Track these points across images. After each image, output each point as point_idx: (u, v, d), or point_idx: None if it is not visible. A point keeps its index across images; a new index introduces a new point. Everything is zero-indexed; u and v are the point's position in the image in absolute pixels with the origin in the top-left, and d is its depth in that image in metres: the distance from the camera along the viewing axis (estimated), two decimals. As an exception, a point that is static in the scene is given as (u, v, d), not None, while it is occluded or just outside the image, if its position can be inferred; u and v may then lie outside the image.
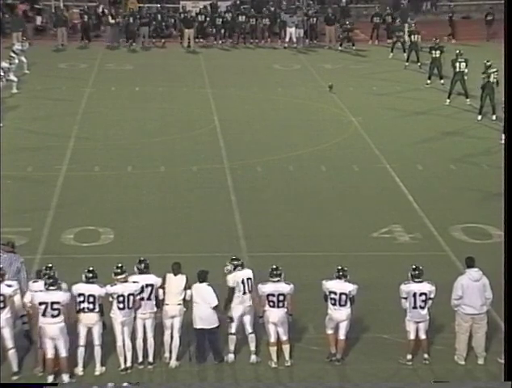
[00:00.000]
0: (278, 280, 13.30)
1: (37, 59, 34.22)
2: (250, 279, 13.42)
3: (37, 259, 16.26)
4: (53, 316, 12.67)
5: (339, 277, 13.35)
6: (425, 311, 13.37)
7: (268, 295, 13.24)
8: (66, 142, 23.73)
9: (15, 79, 28.65)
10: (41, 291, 12.80)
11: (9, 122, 25.52)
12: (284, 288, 13.32)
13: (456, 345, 13.46)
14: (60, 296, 12.75)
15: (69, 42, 37.87)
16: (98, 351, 13.08)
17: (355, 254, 16.93)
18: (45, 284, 12.79)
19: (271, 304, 13.26)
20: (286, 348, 13.41)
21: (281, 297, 13.25)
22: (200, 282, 13.25)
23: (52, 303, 12.65)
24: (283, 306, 13.28)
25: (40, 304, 12.67)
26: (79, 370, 13.04)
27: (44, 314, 12.67)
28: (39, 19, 40.32)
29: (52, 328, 12.70)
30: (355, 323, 13.86)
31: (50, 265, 13.30)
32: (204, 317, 13.23)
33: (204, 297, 13.21)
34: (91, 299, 12.87)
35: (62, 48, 37.41)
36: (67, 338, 12.83)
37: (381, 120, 26.70)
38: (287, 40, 38.03)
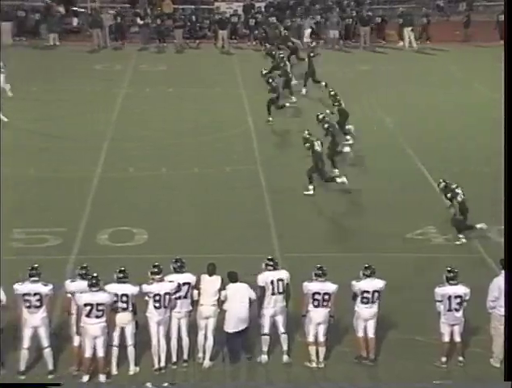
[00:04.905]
0: (324, 280, 13.33)
1: (73, 61, 34.52)
2: (282, 280, 13.42)
3: (72, 259, 16.39)
4: (97, 317, 12.77)
5: (369, 276, 13.37)
6: (460, 314, 13.30)
7: (314, 293, 13.25)
8: (101, 143, 23.88)
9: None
10: (82, 292, 12.87)
11: (43, 123, 25.74)
12: (330, 287, 13.34)
13: (493, 348, 13.39)
14: (105, 297, 12.85)
15: (104, 43, 38.11)
16: (131, 351, 13.15)
17: (389, 254, 16.88)
18: (89, 285, 12.88)
19: (316, 303, 13.27)
20: (322, 350, 13.41)
21: (326, 297, 13.27)
22: (233, 283, 13.30)
23: (98, 304, 12.75)
24: (326, 306, 13.31)
25: (86, 305, 12.76)
26: (113, 370, 13.13)
27: (88, 315, 12.77)
28: (75, 21, 40.61)
29: (94, 328, 12.80)
30: (388, 324, 13.83)
31: (85, 265, 13.42)
32: (240, 318, 13.24)
33: (243, 293, 13.22)
34: (124, 299, 12.95)
35: (97, 49, 37.66)
36: (106, 337, 12.94)
37: (417, 120, 26.54)
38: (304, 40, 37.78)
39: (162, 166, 22.07)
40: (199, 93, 29.49)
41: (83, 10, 41.28)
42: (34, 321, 12.94)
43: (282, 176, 21.41)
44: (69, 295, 13.14)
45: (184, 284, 13.30)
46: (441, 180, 18.40)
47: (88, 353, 12.86)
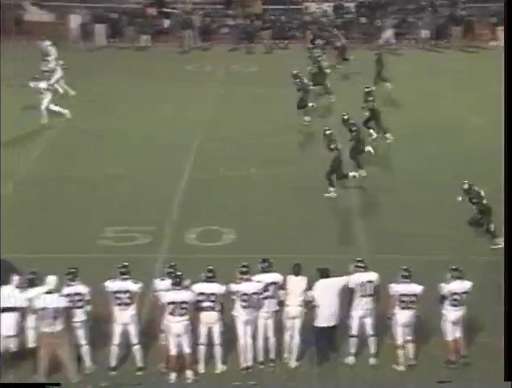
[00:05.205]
0: (410, 281, 13.22)
1: (164, 62, 34.96)
2: (372, 282, 13.35)
3: (161, 258, 16.58)
4: (181, 315, 12.90)
5: (458, 278, 13.21)
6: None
7: (401, 295, 13.15)
8: (191, 143, 24.10)
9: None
10: (168, 290, 13.03)
11: (133, 123, 26.03)
12: (417, 288, 13.23)
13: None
14: (188, 295, 12.96)
15: (194, 44, 38.50)
16: (218, 349, 13.24)
17: (475, 257, 16.62)
18: (172, 283, 13.04)
19: (403, 305, 13.17)
20: (411, 347, 13.32)
21: (413, 298, 13.17)
22: (324, 278, 13.28)
23: (181, 303, 12.89)
24: (412, 308, 13.20)
25: (169, 303, 12.91)
26: (201, 368, 13.24)
27: (172, 313, 12.91)
28: (166, 22, 41.12)
29: (177, 326, 12.93)
30: (472, 327, 13.63)
31: (173, 264, 13.56)
32: (331, 312, 13.22)
33: (334, 288, 13.19)
34: (212, 298, 13.05)
35: (188, 50, 38.05)
36: (190, 335, 13.05)
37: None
38: (381, 41, 37.39)
39: (252, 167, 22.12)
40: (289, 93, 29.42)
41: (174, 11, 41.76)
42: (124, 318, 13.14)
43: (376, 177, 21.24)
44: (157, 294, 13.29)
45: (271, 284, 13.31)
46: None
47: (173, 351, 12.99)
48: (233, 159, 22.84)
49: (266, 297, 13.30)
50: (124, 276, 13.17)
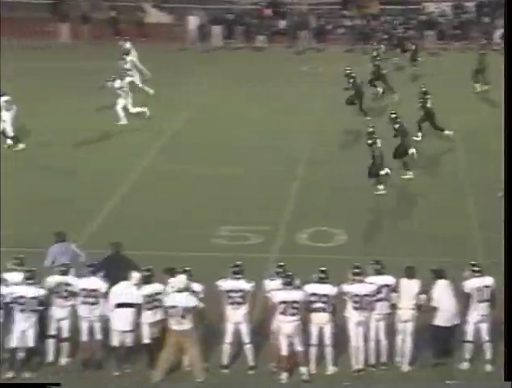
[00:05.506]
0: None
1: (280, 62, 35.13)
2: (488, 287, 13.10)
3: (272, 258, 16.65)
4: (292, 314, 12.92)
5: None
6: None
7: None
8: (303, 145, 24.09)
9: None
10: (279, 290, 13.09)
11: (253, 122, 26.30)
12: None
13: None
14: (299, 295, 12.97)
15: (309, 45, 38.53)
16: (329, 351, 13.20)
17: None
18: (284, 283, 13.07)
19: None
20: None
21: None
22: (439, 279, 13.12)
23: (292, 302, 12.91)
24: None
25: (281, 303, 12.95)
26: (312, 369, 13.22)
27: (283, 313, 12.94)
28: (282, 23, 41.30)
29: (288, 326, 12.95)
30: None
31: (282, 264, 13.61)
32: (452, 312, 13.08)
33: (451, 289, 13.07)
34: (324, 299, 13.02)
35: (303, 50, 38.12)
36: (301, 335, 13.05)
37: None
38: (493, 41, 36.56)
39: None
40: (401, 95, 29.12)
41: (290, 11, 41.92)
42: (236, 317, 13.24)
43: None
44: (268, 294, 13.35)
45: (384, 286, 13.21)
46: None
47: (284, 351, 13.02)
48: (341, 162, 22.74)
49: (378, 300, 13.20)
50: (237, 276, 13.27)
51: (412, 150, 21.63)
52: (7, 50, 34.64)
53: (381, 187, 20.30)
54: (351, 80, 26.54)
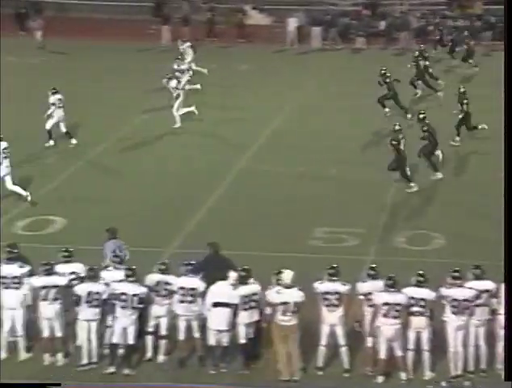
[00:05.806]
0: None
1: (378, 64, 34.80)
2: None
3: (368, 261, 16.52)
4: (394, 317, 12.82)
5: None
6: None
7: None
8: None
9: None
10: (381, 291, 12.99)
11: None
12: None
13: None
14: (402, 298, 12.87)
15: (409, 46, 38.08)
16: (426, 355, 13.03)
17: None
18: (386, 285, 12.98)
19: None
20: None
21: None
22: None
23: (395, 305, 12.81)
24: None
25: (384, 304, 12.87)
26: (409, 374, 13.05)
27: (385, 315, 12.86)
28: (382, 24, 40.98)
29: (389, 329, 12.86)
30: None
31: (373, 266, 13.52)
32: None
33: None
34: (422, 303, 12.86)
35: (403, 51, 37.63)
36: (401, 340, 12.93)
37: None
38: None
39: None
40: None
41: (391, 11, 41.62)
42: (332, 319, 13.18)
43: None
44: (361, 297, 13.25)
45: (484, 291, 12.98)
46: None
47: (383, 354, 12.91)
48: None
49: (478, 305, 12.98)
50: (333, 278, 13.22)
51: (438, 152, 21.52)
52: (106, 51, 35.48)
53: (412, 184, 20.46)
54: (386, 80, 26.74)
